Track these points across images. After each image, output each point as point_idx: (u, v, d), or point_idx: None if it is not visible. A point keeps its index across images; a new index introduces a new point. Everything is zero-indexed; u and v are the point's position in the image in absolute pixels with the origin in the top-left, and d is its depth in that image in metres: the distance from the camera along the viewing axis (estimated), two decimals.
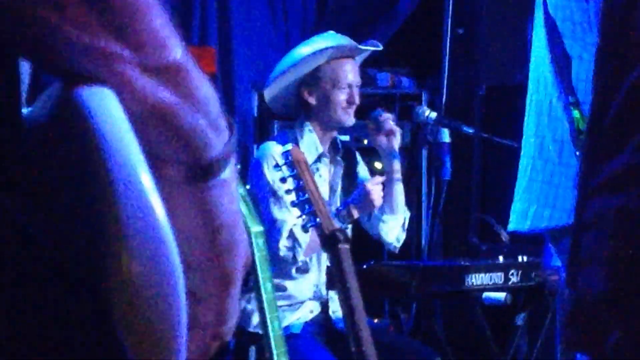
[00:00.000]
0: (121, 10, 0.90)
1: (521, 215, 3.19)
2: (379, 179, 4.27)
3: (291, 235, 4.13)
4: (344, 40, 4.40)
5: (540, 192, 3.11)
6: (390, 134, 4.37)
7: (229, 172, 0.98)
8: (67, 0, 0.88)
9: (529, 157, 3.16)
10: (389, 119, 4.37)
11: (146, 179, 0.88)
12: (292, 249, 4.15)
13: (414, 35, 5.77)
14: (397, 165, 4.39)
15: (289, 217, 4.08)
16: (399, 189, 4.42)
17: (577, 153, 2.97)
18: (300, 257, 4.18)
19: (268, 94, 4.44)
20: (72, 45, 0.89)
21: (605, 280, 1.67)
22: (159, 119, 0.93)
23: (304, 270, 4.30)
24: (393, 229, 4.48)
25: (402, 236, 4.52)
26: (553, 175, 3.08)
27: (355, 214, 4.23)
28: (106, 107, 0.89)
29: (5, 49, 0.91)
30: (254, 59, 5.37)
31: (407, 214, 4.52)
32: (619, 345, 1.64)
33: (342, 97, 4.33)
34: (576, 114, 2.96)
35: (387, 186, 4.37)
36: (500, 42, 5.17)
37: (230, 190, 0.98)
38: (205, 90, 0.96)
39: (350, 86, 4.34)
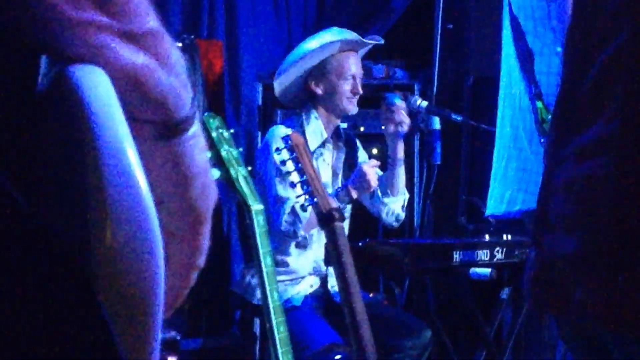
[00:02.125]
0: None
1: (498, 201, 3.21)
2: (375, 162, 4.31)
3: (293, 212, 4.17)
4: (348, 35, 4.44)
5: (514, 178, 3.13)
6: (400, 123, 4.40)
7: (197, 126, 1.03)
8: None
9: (505, 147, 3.18)
10: (400, 110, 4.39)
11: (132, 154, 0.89)
12: (293, 224, 4.18)
13: (407, 31, 5.73)
14: (400, 151, 4.42)
15: (292, 195, 4.12)
16: (400, 173, 4.46)
17: (542, 140, 3.01)
18: (301, 232, 4.21)
19: (278, 85, 4.48)
20: (62, 20, 0.92)
21: (570, 243, 1.66)
22: (138, 81, 0.96)
23: (303, 245, 4.34)
24: (394, 210, 4.51)
25: (402, 216, 4.55)
26: (526, 162, 3.09)
27: (354, 194, 4.27)
28: (96, 83, 0.91)
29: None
30: (259, 52, 5.38)
31: (407, 196, 4.55)
32: (583, 303, 1.64)
33: (347, 87, 4.39)
34: (539, 104, 2.99)
35: (389, 170, 4.42)
36: (486, 37, 5.13)
37: (199, 141, 1.02)
38: (176, 54, 1.01)
39: (354, 77, 4.41)
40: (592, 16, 1.74)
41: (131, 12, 0.97)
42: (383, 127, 4.48)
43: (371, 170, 4.21)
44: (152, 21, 0.98)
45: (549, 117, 2.96)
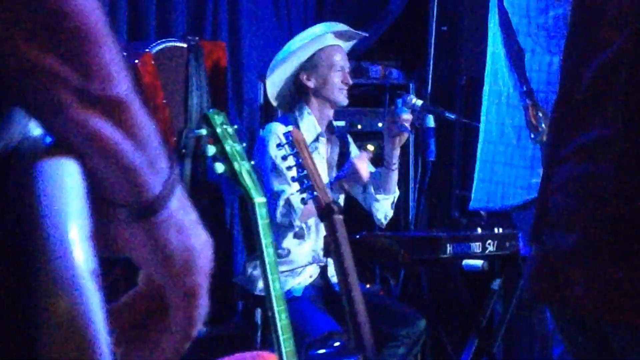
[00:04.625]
0: (73, 35, 0.85)
1: (487, 195, 3.20)
2: (366, 154, 4.31)
3: (287, 203, 4.17)
4: (338, 27, 4.50)
5: (502, 173, 3.13)
6: (400, 133, 4.36)
7: (176, 204, 0.96)
8: (21, 14, 0.82)
9: (490, 142, 3.18)
10: (405, 122, 4.35)
11: (74, 234, 0.87)
12: (288, 214, 4.19)
13: (402, 32, 5.73)
14: (396, 157, 4.42)
15: (287, 188, 4.14)
16: (394, 176, 4.46)
17: (532, 136, 3.00)
18: (297, 222, 4.21)
19: (270, 85, 4.50)
20: (20, 60, 0.83)
21: (570, 239, 1.67)
22: (99, 151, 0.89)
23: (300, 235, 4.34)
24: (383, 207, 4.52)
25: (390, 213, 4.56)
26: (513, 157, 3.09)
27: (346, 186, 4.28)
28: (59, 181, 0.88)
29: None
30: (261, 52, 5.37)
31: (397, 194, 4.56)
32: (582, 297, 1.65)
33: (337, 78, 4.41)
34: (530, 101, 2.99)
35: (384, 171, 4.43)
36: (479, 39, 5.15)
37: (176, 221, 0.96)
38: (148, 129, 0.92)
39: (343, 69, 4.43)
40: (593, 19, 1.74)
41: (96, 73, 0.87)
42: (384, 129, 4.48)
43: (363, 164, 4.22)
44: (120, 88, 0.89)
45: (539, 114, 2.95)
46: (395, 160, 4.41)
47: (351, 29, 4.51)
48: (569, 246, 1.68)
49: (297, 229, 4.28)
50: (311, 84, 4.43)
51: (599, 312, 1.65)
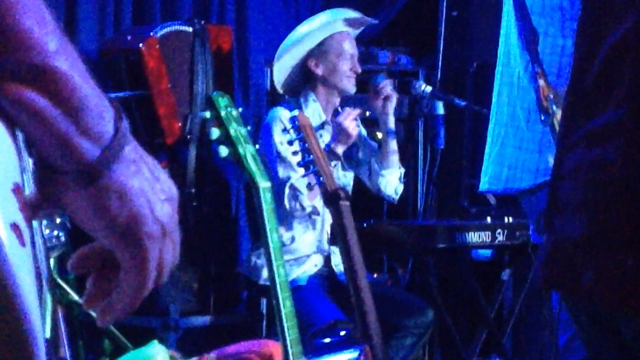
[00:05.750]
0: None
1: (495, 178, 3.19)
2: (349, 110, 4.25)
3: (292, 187, 4.15)
4: (348, 13, 4.49)
5: (512, 156, 3.11)
6: (386, 99, 4.40)
7: (122, 169, 0.97)
8: None
9: (502, 125, 3.17)
10: (386, 85, 4.40)
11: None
12: (295, 197, 4.16)
13: (412, 18, 5.75)
14: (391, 123, 4.42)
15: (292, 174, 4.11)
16: (393, 145, 4.46)
17: (542, 118, 2.98)
18: (306, 203, 4.18)
19: (277, 70, 4.48)
20: None
21: (580, 226, 1.66)
22: (28, 118, 0.90)
23: (306, 226, 4.31)
24: (392, 182, 4.51)
25: (400, 188, 4.55)
26: (522, 140, 3.08)
27: (339, 150, 4.23)
28: None
29: None
30: (267, 37, 5.36)
31: (402, 170, 4.55)
32: (592, 285, 1.64)
33: (346, 66, 4.38)
34: (542, 82, 2.97)
35: (383, 143, 4.42)
36: (489, 24, 5.15)
37: (118, 187, 0.97)
38: (81, 94, 0.93)
39: (352, 56, 4.39)
40: (600, 2, 1.72)
41: (16, 43, 0.88)
42: (368, 112, 4.47)
43: (348, 120, 4.17)
44: (45, 55, 0.89)
45: (551, 95, 2.92)
46: (392, 128, 4.40)
47: (363, 16, 4.47)
48: (578, 233, 1.67)
49: (306, 212, 4.22)
50: (319, 71, 4.40)
51: (609, 300, 1.64)
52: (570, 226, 1.70)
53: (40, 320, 0.90)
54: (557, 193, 1.76)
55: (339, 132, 4.20)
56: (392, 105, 4.41)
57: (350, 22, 4.46)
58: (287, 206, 4.16)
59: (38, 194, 0.95)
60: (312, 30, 4.40)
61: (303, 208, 4.19)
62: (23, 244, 0.88)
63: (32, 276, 0.90)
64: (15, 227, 0.87)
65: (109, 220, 0.97)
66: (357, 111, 4.27)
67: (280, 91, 4.58)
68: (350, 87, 4.41)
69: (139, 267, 1.00)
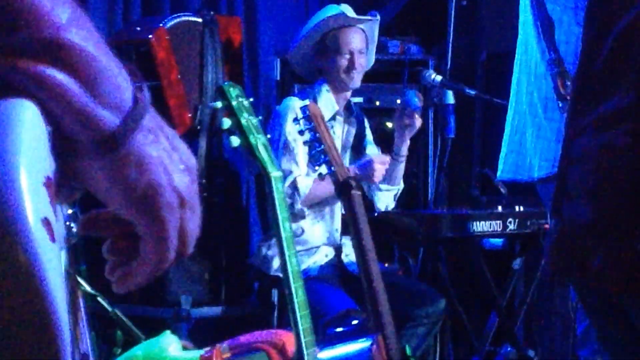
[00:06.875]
0: None
1: (514, 166, 3.19)
2: (386, 158, 4.26)
3: (292, 184, 4.16)
4: (338, 11, 4.42)
5: (530, 145, 3.11)
6: (410, 125, 4.34)
7: (141, 139, 0.96)
8: None
9: (520, 113, 3.17)
10: (414, 117, 4.33)
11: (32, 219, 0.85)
12: (291, 196, 4.17)
13: (421, 7, 5.73)
14: (405, 148, 4.39)
15: (295, 169, 4.12)
16: (401, 168, 4.45)
17: (560, 104, 2.98)
18: (298, 205, 4.20)
19: (292, 59, 4.55)
20: None
21: (588, 211, 1.68)
22: (45, 93, 0.89)
23: (300, 217, 4.30)
24: (385, 199, 4.52)
25: (392, 205, 4.56)
26: (540, 129, 3.08)
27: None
28: (11, 122, 0.86)
29: None
30: (277, 28, 5.35)
31: (401, 186, 4.54)
32: (601, 269, 1.65)
33: (343, 62, 4.36)
34: (559, 69, 2.97)
35: (391, 164, 4.39)
36: (499, 13, 5.16)
37: (137, 157, 0.96)
38: (97, 65, 0.92)
39: (351, 52, 4.36)
40: None
41: (26, 19, 0.86)
42: (391, 124, 4.45)
43: (380, 166, 4.17)
44: (57, 29, 0.88)
45: (568, 82, 2.93)
46: (404, 153, 4.38)
47: (358, 17, 4.42)
48: (586, 218, 1.69)
49: (296, 211, 4.22)
50: (322, 65, 4.43)
51: (617, 284, 1.66)
52: (579, 212, 1.71)
53: (68, 317, 0.88)
54: (566, 178, 1.76)
55: (367, 170, 4.20)
56: (410, 134, 4.37)
57: (350, 20, 4.43)
58: None
59: (56, 169, 0.93)
60: (312, 25, 4.42)
61: (292, 208, 4.19)
62: (53, 239, 0.87)
63: (61, 272, 0.88)
64: (46, 222, 0.86)
65: (126, 190, 0.97)
66: (389, 159, 4.27)
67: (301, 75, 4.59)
68: (349, 82, 4.38)
69: (158, 237, 1.00)
